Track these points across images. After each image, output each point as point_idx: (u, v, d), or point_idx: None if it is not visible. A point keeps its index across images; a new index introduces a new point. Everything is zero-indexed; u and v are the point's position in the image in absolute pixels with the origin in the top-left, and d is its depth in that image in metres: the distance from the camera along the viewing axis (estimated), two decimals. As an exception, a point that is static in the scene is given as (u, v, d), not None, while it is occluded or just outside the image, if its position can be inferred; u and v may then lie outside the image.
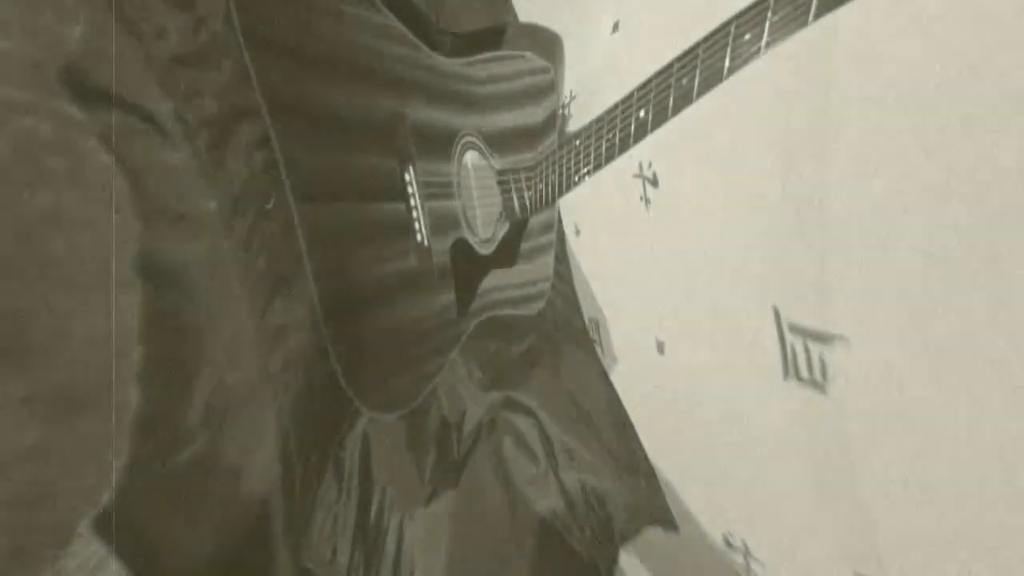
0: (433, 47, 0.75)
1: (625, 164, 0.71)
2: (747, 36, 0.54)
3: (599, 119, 0.67)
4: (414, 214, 0.72)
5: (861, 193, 0.52)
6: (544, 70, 0.80)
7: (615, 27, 0.78)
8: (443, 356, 0.80)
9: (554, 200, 0.79)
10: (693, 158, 0.67)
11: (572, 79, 0.86)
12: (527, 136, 0.82)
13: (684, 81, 0.58)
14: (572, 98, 0.89)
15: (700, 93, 0.57)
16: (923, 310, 0.48)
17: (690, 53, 0.57)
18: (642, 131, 0.63)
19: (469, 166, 0.84)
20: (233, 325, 0.56)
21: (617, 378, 0.86)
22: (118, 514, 0.50)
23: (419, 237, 0.73)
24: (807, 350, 0.58)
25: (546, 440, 0.96)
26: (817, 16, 0.49)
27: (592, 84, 0.83)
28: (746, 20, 0.54)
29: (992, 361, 0.44)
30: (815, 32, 0.50)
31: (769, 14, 0.52)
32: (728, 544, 0.78)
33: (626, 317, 0.85)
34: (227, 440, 0.57)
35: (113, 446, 0.48)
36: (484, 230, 0.85)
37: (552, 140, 0.82)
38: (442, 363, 0.81)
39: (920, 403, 0.50)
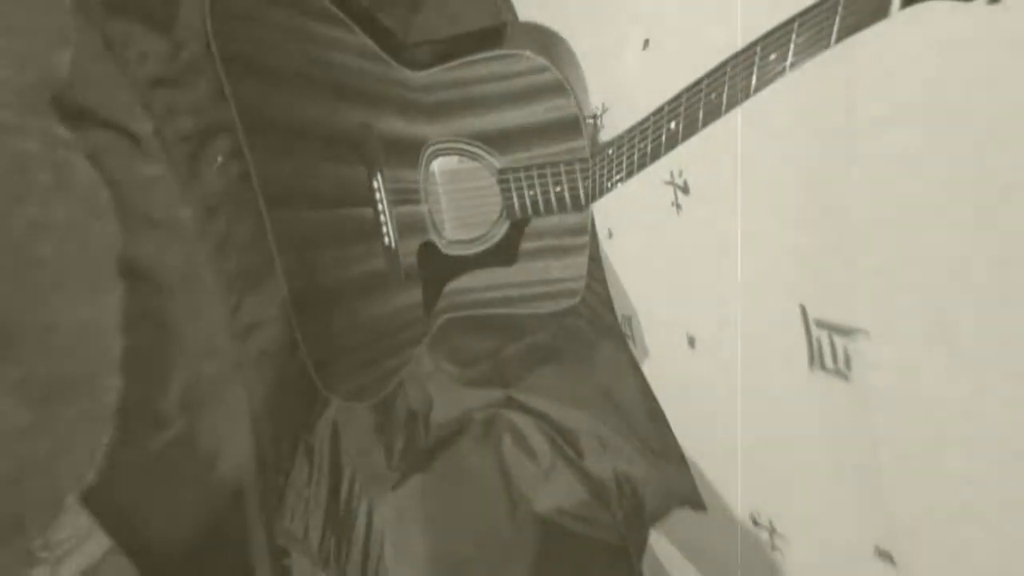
0: (402, 62, 0.81)
1: (657, 172, 0.77)
2: (772, 56, 0.60)
3: (630, 130, 0.73)
4: (382, 218, 0.80)
5: (882, 201, 0.57)
6: (543, 69, 0.82)
7: (645, 44, 0.83)
8: (410, 350, 0.89)
9: (583, 204, 0.84)
10: (722, 167, 0.73)
11: (603, 91, 0.92)
12: (529, 134, 0.84)
13: (713, 96, 0.64)
14: (604, 110, 0.94)
15: (728, 108, 0.63)
16: (938, 306, 0.54)
17: (719, 70, 0.63)
18: (672, 142, 0.69)
19: (436, 172, 0.89)
20: (208, 320, 0.62)
21: (648, 370, 0.93)
22: (102, 490, 0.57)
23: (387, 240, 0.81)
24: (832, 343, 0.64)
25: (558, 435, 1.01)
26: (839, 39, 0.56)
27: (624, 98, 0.88)
28: (772, 41, 0.59)
29: (1001, 349, 0.52)
30: (837, 51, 0.56)
31: (794, 36, 0.58)
32: (755, 523, 0.84)
33: (658, 314, 0.92)
34: (203, 425, 0.64)
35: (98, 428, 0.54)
36: (454, 232, 0.90)
37: (569, 144, 0.85)
38: (409, 357, 0.89)
39: (935, 390, 0.57)
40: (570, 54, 0.91)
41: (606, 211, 0.97)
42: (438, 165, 0.89)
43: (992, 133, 0.49)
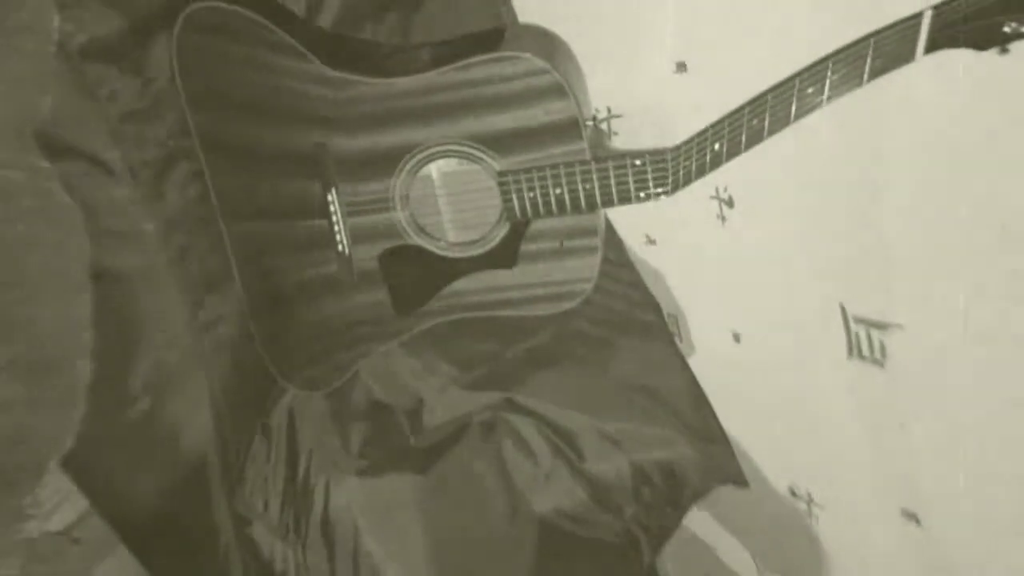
0: (386, 72, 0.86)
1: (701, 187, 0.86)
2: (810, 90, 0.69)
3: (675, 149, 0.80)
4: (335, 228, 0.90)
5: (913, 215, 0.70)
6: (543, 71, 0.82)
7: (681, 67, 0.90)
8: (369, 345, 0.97)
9: (592, 207, 0.87)
10: (766, 184, 0.84)
11: (615, 99, 0.97)
12: (528, 137, 0.86)
13: (755, 122, 0.72)
14: (612, 115, 0.99)
15: (770, 133, 0.72)
16: (961, 305, 0.67)
17: (760, 98, 0.71)
18: (716, 161, 0.78)
19: (434, 175, 0.92)
20: (169, 317, 0.75)
21: (695, 363, 1.02)
22: (78, 456, 0.69)
23: (340, 248, 0.91)
24: (869, 336, 0.76)
25: (558, 437, 1.05)
26: (870, 79, 0.65)
27: (650, 113, 0.95)
28: (808, 76, 0.68)
29: (1015, 339, 0.65)
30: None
31: (828, 73, 0.67)
32: (793, 494, 0.97)
33: (703, 313, 1.01)
34: (166, 405, 0.76)
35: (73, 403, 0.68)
36: (455, 234, 0.93)
37: (569, 147, 0.85)
38: (365, 352, 0.97)
39: (960, 375, 0.70)
40: (570, 56, 0.93)
41: (645, 219, 1.04)
42: (437, 168, 0.93)
43: (1010, 161, 0.62)
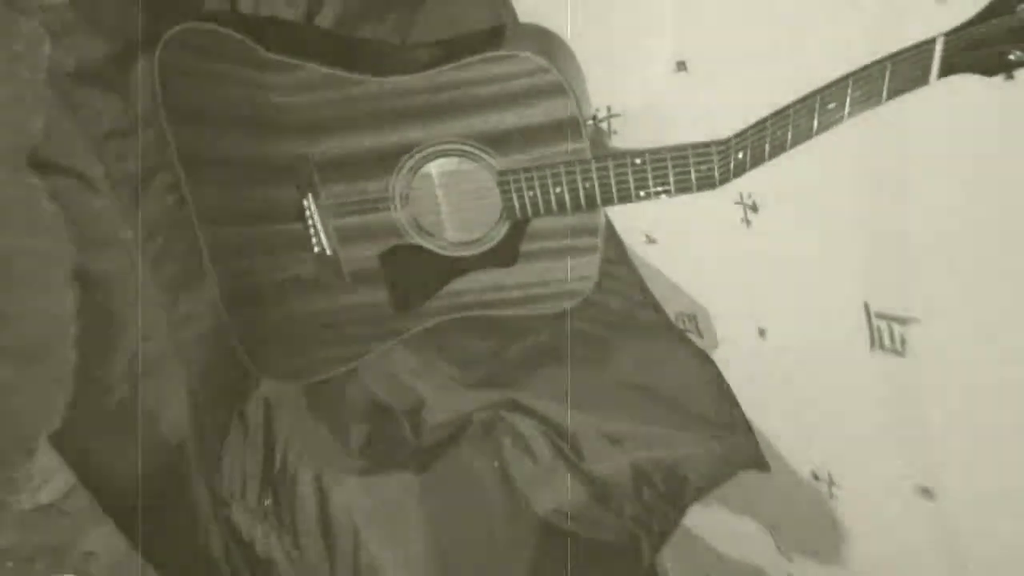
0: (387, 71, 0.87)
1: (722, 192, 0.89)
2: (831, 105, 0.73)
3: (680, 148, 0.82)
4: (311, 231, 0.94)
5: (930, 221, 0.78)
6: (543, 70, 0.82)
7: (681, 66, 0.91)
8: (365, 345, 1.01)
9: (592, 205, 0.87)
10: (790, 191, 0.88)
11: (615, 98, 0.98)
12: (528, 135, 0.85)
13: (779, 133, 0.76)
14: (612, 114, 0.99)
15: (793, 145, 0.77)
16: (976, 300, 0.77)
17: (783, 111, 0.76)
18: (740, 169, 0.81)
19: (434, 174, 0.93)
20: (147, 314, 0.83)
21: (718, 358, 1.04)
22: (65, 434, 0.78)
23: (318, 249, 0.95)
24: (890, 329, 0.83)
25: (559, 436, 1.05)
26: (889, 99, 0.71)
27: (650, 113, 0.96)
28: (830, 93, 0.73)
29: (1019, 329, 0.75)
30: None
31: (849, 91, 0.72)
32: (815, 477, 1.03)
33: (727, 311, 1.04)
34: (146, 392, 0.85)
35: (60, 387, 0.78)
36: (455, 233, 0.94)
37: (569, 146, 0.85)
38: (365, 349, 1.01)
39: (975, 363, 0.79)
40: (570, 55, 0.93)
41: (646, 218, 1.06)
42: (436, 167, 0.94)
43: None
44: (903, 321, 0.81)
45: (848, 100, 0.72)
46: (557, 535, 1.05)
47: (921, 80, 0.69)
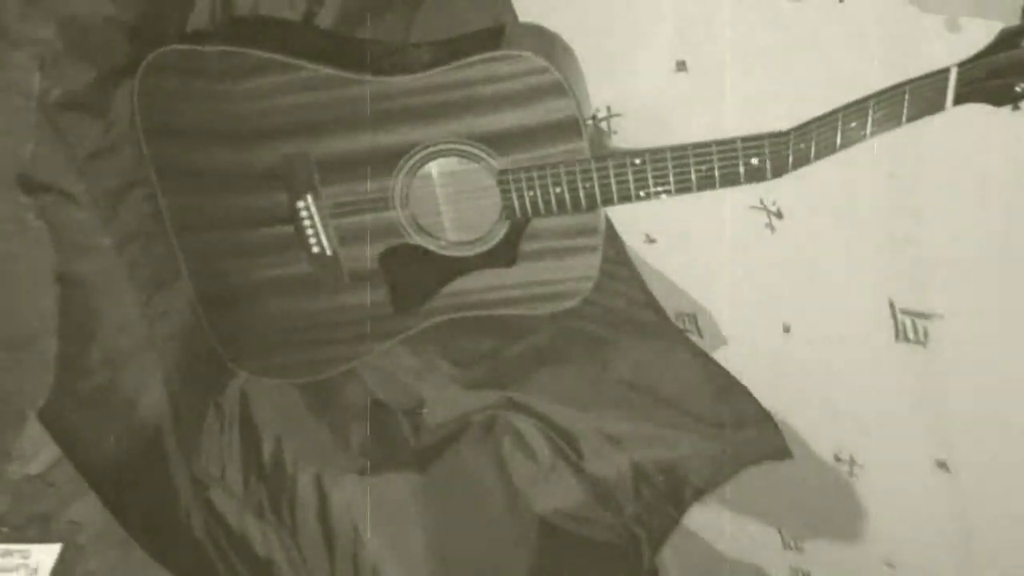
0: (387, 71, 0.88)
1: (738, 196, 0.93)
2: (853, 124, 0.76)
3: (680, 148, 0.82)
4: (308, 232, 0.95)
5: (952, 224, 0.84)
6: (543, 69, 0.82)
7: (681, 66, 0.92)
8: (364, 345, 1.01)
9: (592, 205, 0.87)
10: (816, 200, 0.92)
11: (615, 98, 0.99)
12: (528, 135, 0.86)
13: (802, 146, 0.78)
14: (612, 114, 1.00)
15: (817, 158, 0.79)
16: (993, 297, 0.85)
17: (805, 125, 0.78)
18: (758, 175, 0.82)
19: (434, 174, 0.93)
20: (122, 310, 0.90)
21: (732, 356, 1.07)
22: (50, 412, 0.86)
23: (316, 249, 0.96)
24: (914, 324, 0.90)
25: (558, 436, 1.06)
26: (908, 121, 0.75)
27: (650, 113, 0.97)
28: (851, 112, 0.76)
29: None
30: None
31: (871, 111, 0.75)
32: (837, 459, 1.08)
33: (745, 310, 1.06)
34: (122, 379, 0.92)
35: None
36: (455, 233, 0.95)
37: (569, 146, 0.85)
38: (363, 351, 1.02)
39: (992, 352, 0.87)
40: (570, 55, 0.93)
41: (641, 218, 1.06)
42: (436, 167, 0.94)
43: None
44: (927, 316, 0.89)
45: (870, 120, 0.75)
46: (557, 535, 1.06)
47: (938, 106, 0.73)
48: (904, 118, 0.74)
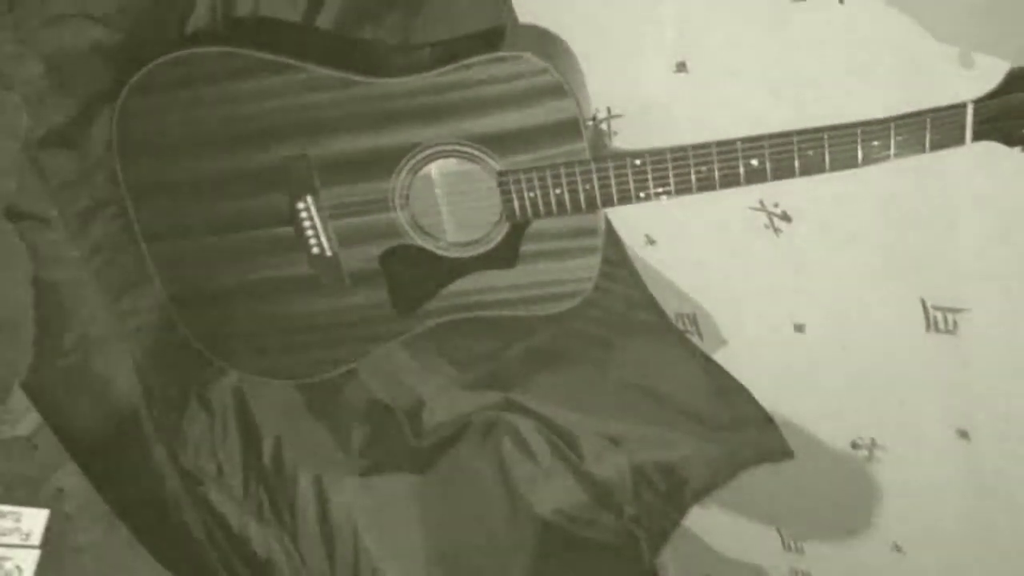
0: (387, 72, 0.88)
1: (736, 198, 0.93)
2: (875, 143, 0.76)
3: (680, 149, 0.82)
4: (308, 233, 0.95)
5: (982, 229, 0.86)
6: (543, 71, 0.82)
7: (681, 66, 0.92)
8: (364, 346, 1.02)
9: (592, 206, 0.87)
10: (828, 203, 0.92)
11: (615, 99, 0.99)
12: (528, 136, 0.86)
13: (810, 152, 0.78)
14: (612, 115, 1.00)
15: (834, 168, 0.79)
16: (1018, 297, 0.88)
17: (815, 132, 0.78)
18: (759, 176, 0.82)
19: (434, 175, 0.93)
20: (89, 308, 0.96)
21: (736, 356, 1.07)
22: (32, 382, 0.94)
23: (316, 251, 0.96)
24: (944, 317, 0.93)
25: (558, 437, 1.06)
26: (932, 150, 0.75)
27: (650, 113, 0.97)
28: (871, 131, 0.76)
29: None
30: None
31: (892, 133, 0.75)
32: (855, 446, 1.09)
33: (749, 311, 1.06)
34: (95, 361, 0.97)
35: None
36: (455, 234, 0.94)
37: (569, 147, 0.85)
38: (362, 351, 1.02)
39: (1016, 338, 0.90)
40: (570, 56, 0.94)
41: (640, 219, 1.06)
42: (437, 168, 0.94)
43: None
44: (957, 311, 0.92)
45: (892, 142, 0.75)
46: (557, 536, 1.06)
47: (958, 140, 0.74)
48: (927, 146, 0.74)
